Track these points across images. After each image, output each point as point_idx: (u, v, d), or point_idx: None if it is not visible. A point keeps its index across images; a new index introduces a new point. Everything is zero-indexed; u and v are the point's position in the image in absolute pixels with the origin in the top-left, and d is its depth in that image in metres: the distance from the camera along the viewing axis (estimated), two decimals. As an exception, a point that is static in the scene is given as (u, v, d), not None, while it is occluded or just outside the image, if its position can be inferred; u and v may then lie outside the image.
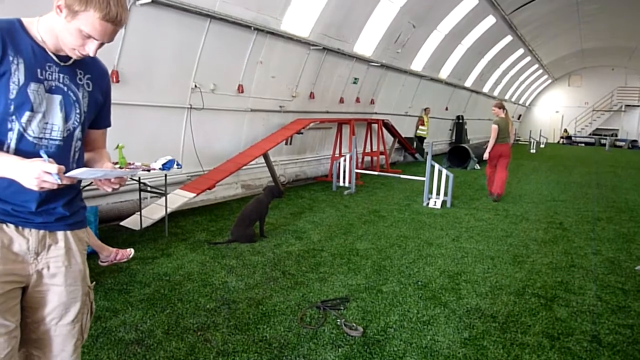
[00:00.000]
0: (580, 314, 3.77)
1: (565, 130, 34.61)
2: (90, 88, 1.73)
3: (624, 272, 4.86)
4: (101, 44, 1.57)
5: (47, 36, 1.57)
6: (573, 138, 33.33)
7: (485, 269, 4.82)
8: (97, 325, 3.29)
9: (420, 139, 15.74)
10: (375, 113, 13.21)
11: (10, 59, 1.51)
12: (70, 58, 1.63)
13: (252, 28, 7.52)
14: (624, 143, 30.81)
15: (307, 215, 6.90)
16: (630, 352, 3.18)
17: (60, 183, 1.43)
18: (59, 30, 1.53)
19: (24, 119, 1.54)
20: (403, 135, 14.04)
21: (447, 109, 18.93)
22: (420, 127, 15.89)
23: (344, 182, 9.19)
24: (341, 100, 11.38)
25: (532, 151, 22.69)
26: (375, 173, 9.95)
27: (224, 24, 7.03)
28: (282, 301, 3.82)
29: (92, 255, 4.48)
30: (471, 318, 3.63)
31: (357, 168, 9.40)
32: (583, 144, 31.79)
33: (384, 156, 12.09)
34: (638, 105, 32.63)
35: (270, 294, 3.97)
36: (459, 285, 4.33)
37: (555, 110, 36.03)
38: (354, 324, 3.40)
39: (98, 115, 1.81)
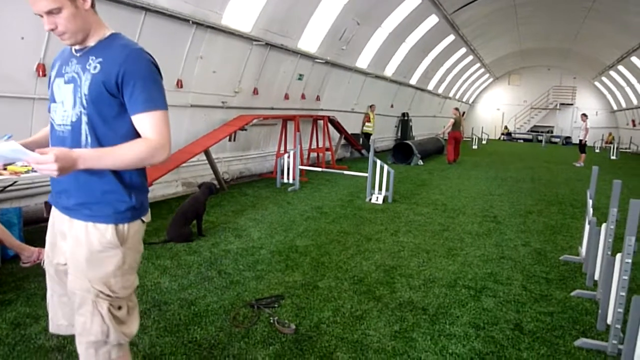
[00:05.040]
0: (505, 304, 3.94)
1: (506, 127, 36.18)
2: (96, 70, 1.76)
3: (549, 262, 5.12)
4: (50, 18, 1.67)
5: None
6: (513, 135, 34.87)
7: (420, 262, 4.94)
8: (15, 332, 3.12)
9: (367, 136, 15.93)
10: (322, 109, 13.26)
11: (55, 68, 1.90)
12: (84, 48, 1.80)
13: (191, 22, 7.34)
14: (558, 139, 32.57)
15: (249, 213, 6.83)
16: (549, 339, 3.35)
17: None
18: None
19: (51, 110, 1.87)
20: (350, 132, 14.19)
21: (392, 106, 19.26)
22: (367, 123, 16.11)
23: (288, 178, 9.15)
24: (286, 97, 11.33)
25: (474, 147, 23.53)
26: (320, 169, 9.99)
27: (160, 17, 6.82)
28: (216, 301, 3.75)
29: (14, 259, 4.25)
30: (403, 311, 3.70)
31: (302, 164, 9.40)
32: (522, 140, 33.35)
33: (330, 152, 12.16)
34: (571, 104, 34.59)
35: (204, 293, 3.89)
36: (393, 279, 4.42)
37: (497, 107, 37.55)
38: (287, 322, 3.39)
39: (126, 101, 1.79)
